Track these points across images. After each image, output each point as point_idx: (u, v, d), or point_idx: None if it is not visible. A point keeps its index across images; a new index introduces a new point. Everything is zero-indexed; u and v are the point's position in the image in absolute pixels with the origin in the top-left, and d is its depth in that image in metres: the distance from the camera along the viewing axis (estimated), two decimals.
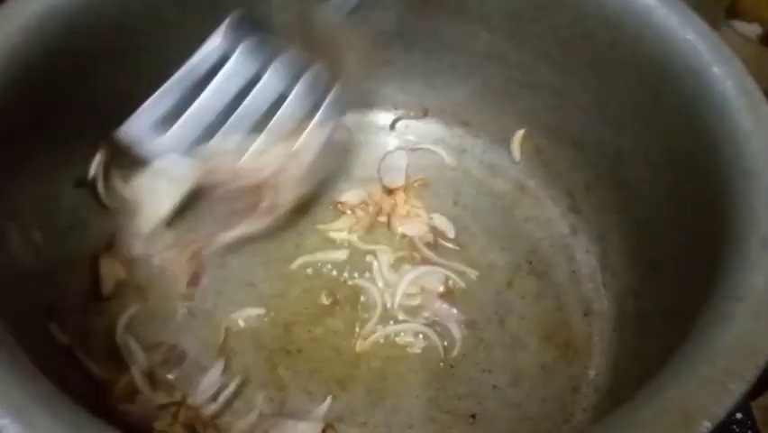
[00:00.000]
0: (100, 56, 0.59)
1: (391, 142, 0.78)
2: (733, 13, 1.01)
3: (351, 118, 0.77)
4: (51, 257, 0.58)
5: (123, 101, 0.63)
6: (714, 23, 0.56)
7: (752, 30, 0.99)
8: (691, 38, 0.53)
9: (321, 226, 0.70)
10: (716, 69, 0.52)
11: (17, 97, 0.52)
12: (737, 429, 0.60)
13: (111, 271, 0.64)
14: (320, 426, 0.58)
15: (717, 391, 0.37)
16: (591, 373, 0.62)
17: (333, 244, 0.70)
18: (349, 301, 0.66)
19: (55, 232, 0.59)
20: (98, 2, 0.57)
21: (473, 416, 0.60)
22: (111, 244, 0.66)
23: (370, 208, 0.71)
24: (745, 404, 0.58)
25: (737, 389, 0.37)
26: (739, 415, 0.60)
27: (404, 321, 0.65)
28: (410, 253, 0.69)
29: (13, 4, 0.54)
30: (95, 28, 0.58)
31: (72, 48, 0.57)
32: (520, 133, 0.73)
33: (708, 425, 0.36)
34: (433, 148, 0.77)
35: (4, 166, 0.51)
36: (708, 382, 0.38)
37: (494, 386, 0.61)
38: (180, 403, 0.58)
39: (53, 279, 0.58)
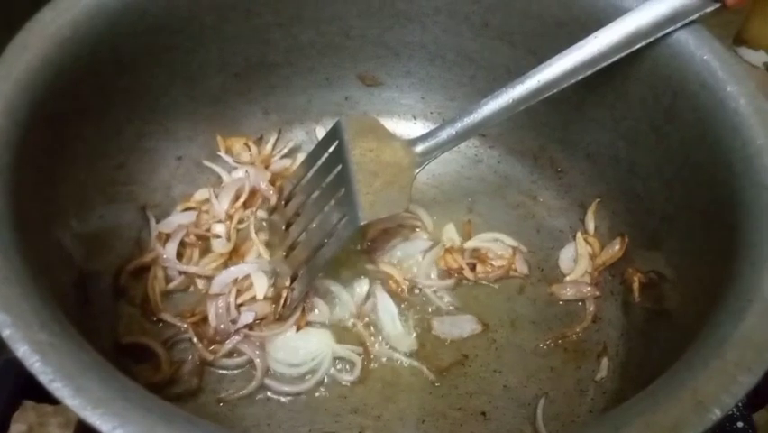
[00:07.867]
0: (141, 52, 0.62)
1: None
2: (740, 40, 1.04)
3: None
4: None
5: (159, 96, 0.66)
6: None
7: (758, 57, 1.02)
8: (708, 58, 0.56)
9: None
10: (730, 88, 0.54)
11: (64, 87, 0.54)
12: None
13: None
14: None
15: (728, 382, 0.40)
16: (599, 376, 0.64)
17: None
18: None
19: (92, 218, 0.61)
20: (143, 2, 0.60)
21: (484, 414, 0.62)
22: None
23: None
24: (747, 415, 0.60)
25: (746, 381, 0.40)
26: (740, 424, 0.62)
27: None
28: None
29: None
30: (137, 26, 0.60)
31: (116, 43, 0.59)
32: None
33: (717, 412, 0.38)
34: (449, 157, 0.79)
35: (51, 152, 0.54)
36: (719, 373, 0.40)
37: (504, 386, 0.64)
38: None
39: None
